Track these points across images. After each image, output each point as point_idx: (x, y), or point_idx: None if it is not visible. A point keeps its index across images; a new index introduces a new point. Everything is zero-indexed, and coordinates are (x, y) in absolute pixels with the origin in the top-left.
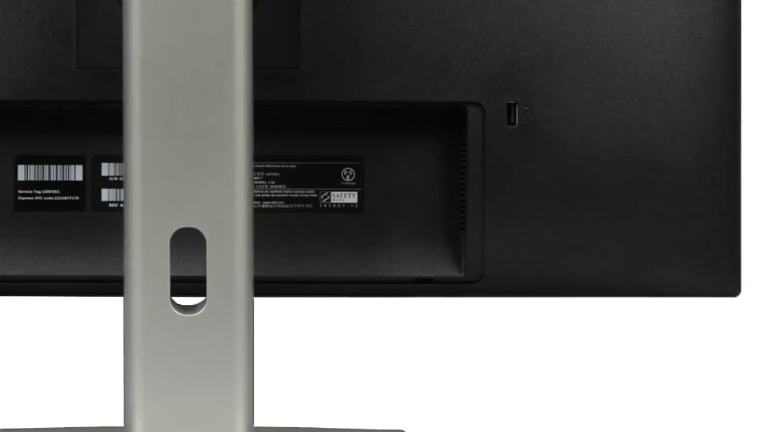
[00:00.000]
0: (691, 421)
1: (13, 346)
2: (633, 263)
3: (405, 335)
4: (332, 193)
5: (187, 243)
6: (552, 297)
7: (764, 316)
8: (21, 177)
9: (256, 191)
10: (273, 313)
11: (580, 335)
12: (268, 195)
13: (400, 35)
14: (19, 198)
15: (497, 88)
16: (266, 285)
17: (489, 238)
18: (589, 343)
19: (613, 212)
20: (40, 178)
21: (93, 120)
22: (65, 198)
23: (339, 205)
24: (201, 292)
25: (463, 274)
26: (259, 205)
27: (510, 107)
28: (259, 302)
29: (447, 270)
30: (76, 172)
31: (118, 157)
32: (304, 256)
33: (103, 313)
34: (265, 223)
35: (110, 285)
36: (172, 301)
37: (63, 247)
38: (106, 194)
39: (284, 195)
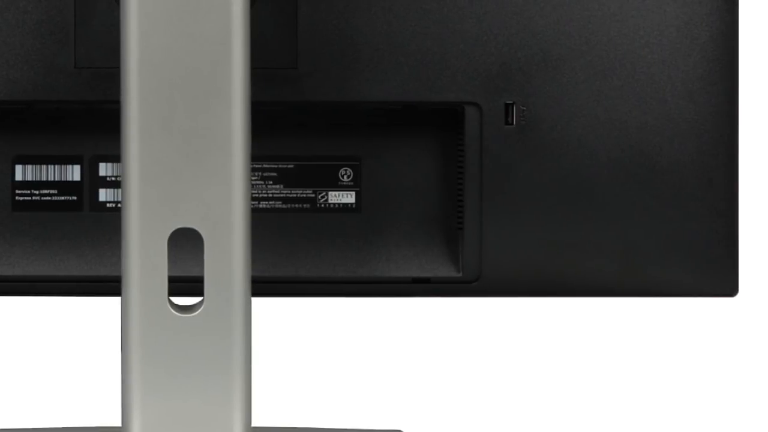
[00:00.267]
0: (690, 421)
1: (11, 346)
2: (630, 263)
3: (403, 335)
4: (330, 193)
5: (185, 243)
6: (549, 297)
7: (762, 316)
8: (18, 177)
9: (253, 191)
10: (270, 313)
11: (578, 335)
12: (265, 195)
13: (397, 35)
14: (17, 198)
15: (495, 88)
16: (264, 285)
17: (486, 238)
18: (586, 343)
19: (610, 212)
20: (38, 178)
21: (90, 120)
22: (63, 198)
23: (336, 205)
24: (198, 292)
25: (460, 274)
26: (256, 205)
27: (507, 107)
28: (257, 302)
29: (444, 270)
30: (74, 172)
31: (115, 157)
32: (301, 256)
33: (100, 313)
34: (263, 223)
35: (108, 285)
36: (170, 301)
37: (60, 247)
38: (104, 194)
39: (282, 195)
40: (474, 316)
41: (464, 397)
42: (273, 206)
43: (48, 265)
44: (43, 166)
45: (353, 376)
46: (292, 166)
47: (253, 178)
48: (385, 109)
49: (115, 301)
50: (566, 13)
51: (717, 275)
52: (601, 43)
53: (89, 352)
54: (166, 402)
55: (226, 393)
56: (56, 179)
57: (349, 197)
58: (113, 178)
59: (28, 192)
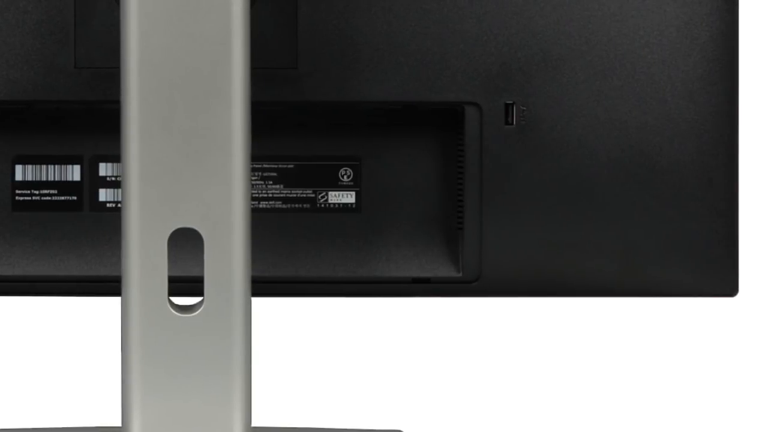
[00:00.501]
0: (690, 421)
1: (11, 346)
2: (630, 263)
3: (402, 335)
4: (330, 193)
5: (185, 243)
6: (549, 297)
7: (762, 316)
8: (18, 177)
9: (253, 191)
10: (270, 313)
11: (578, 335)
12: (265, 195)
13: (397, 35)
14: (17, 198)
15: (495, 88)
16: (264, 285)
17: (486, 238)
18: (586, 343)
19: (610, 212)
20: (38, 178)
21: (90, 120)
22: (63, 198)
23: (336, 205)
24: (198, 292)
25: (460, 274)
26: (256, 205)
27: (507, 107)
28: (257, 302)
29: (444, 270)
30: (74, 172)
31: (115, 157)
32: (301, 256)
33: (100, 313)
34: (263, 223)
35: (108, 285)
36: (170, 301)
37: (60, 247)
38: (104, 194)
39: (282, 195)
40: (474, 316)
41: (464, 397)
42: (273, 206)
43: (48, 265)
44: (43, 166)
45: (353, 376)
46: (292, 166)
47: (253, 178)
48: (385, 109)
49: (115, 301)
50: (566, 13)
51: (717, 275)
52: (601, 43)
53: (89, 352)
54: (166, 402)
55: (226, 393)
56: (56, 179)
57: (349, 197)
58: (113, 178)
59: (28, 192)
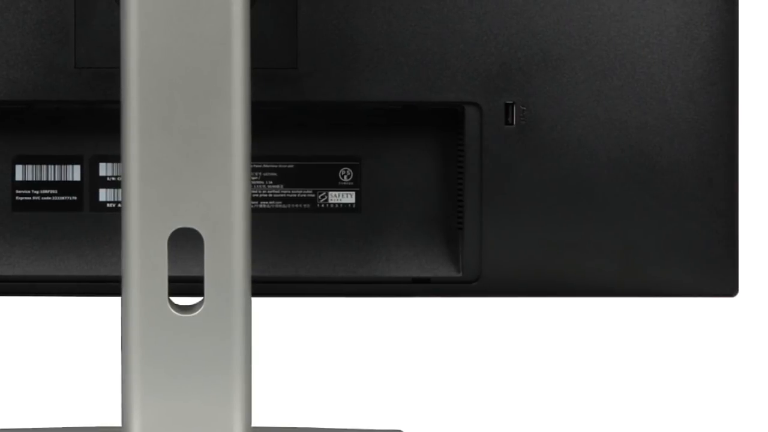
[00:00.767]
0: (689, 421)
1: (11, 346)
2: (630, 263)
3: (402, 335)
4: (330, 193)
5: (185, 243)
6: (549, 297)
7: (762, 316)
8: (18, 177)
9: (253, 191)
10: (271, 313)
11: (578, 335)
12: (265, 195)
13: (397, 35)
14: (17, 198)
15: (495, 88)
16: (264, 285)
17: (486, 238)
18: (586, 343)
19: (610, 212)
20: (38, 178)
21: (91, 120)
22: (63, 198)
23: (336, 205)
24: (199, 292)
25: (460, 274)
26: (256, 205)
27: (508, 107)
28: (257, 302)
29: (444, 270)
30: (74, 172)
31: (115, 157)
32: (301, 256)
33: (100, 313)
34: (263, 223)
35: (108, 285)
36: (170, 301)
37: (60, 247)
38: (104, 194)
39: (282, 195)
40: (474, 316)
41: (464, 397)
42: (273, 206)
43: (48, 265)
44: (44, 166)
45: (353, 376)
46: (292, 166)
47: (253, 178)
48: (385, 109)
49: (115, 301)
50: (566, 13)
51: (717, 275)
52: (601, 43)
53: (89, 352)
54: (166, 402)
55: (226, 393)
56: (56, 179)
57: (349, 197)
58: (113, 178)
59: (29, 192)
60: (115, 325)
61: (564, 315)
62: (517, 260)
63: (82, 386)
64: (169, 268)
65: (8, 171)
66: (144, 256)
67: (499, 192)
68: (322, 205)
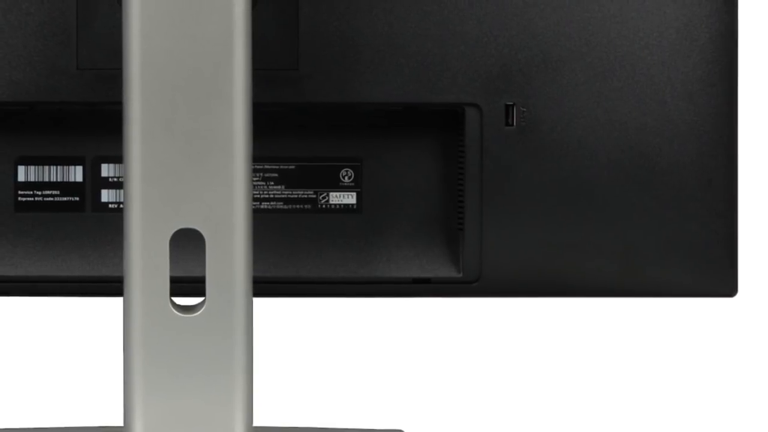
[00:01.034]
0: (688, 421)
1: (14, 346)
2: (630, 263)
3: (403, 335)
4: (331, 193)
5: (187, 243)
6: (549, 297)
7: (761, 316)
8: (21, 178)
9: (255, 192)
10: (272, 313)
11: (578, 335)
12: (267, 196)
13: (398, 37)
14: (20, 199)
15: (495, 90)
16: (265, 285)
17: (487, 238)
18: (586, 343)
19: (610, 213)
20: (40, 179)
21: (93, 121)
22: (65, 199)
23: (338, 206)
24: (200, 292)
25: (461, 275)
26: (258, 206)
27: (508, 108)
28: (258, 302)
29: (445, 270)
30: (76, 173)
31: (117, 158)
32: (302, 257)
33: (103, 314)
34: (264, 224)
35: (110, 285)
36: (172, 302)
37: (63, 247)
38: (106, 195)
39: (283, 196)
40: (474, 317)
41: (465, 397)
42: (274, 207)
43: (50, 266)
44: (46, 167)
45: (354, 376)
46: (293, 167)
47: (255, 178)
48: (385, 111)
49: (117, 302)
50: (566, 14)
51: (716, 275)
52: (600, 44)
53: (92, 352)
54: (168, 402)
55: (228, 393)
56: (59, 180)
57: (350, 198)
58: (115, 179)
59: (31, 193)
60: (118, 326)
61: (564, 315)
62: (518, 261)
63: (84, 386)
64: (171, 269)
65: (11, 172)
66: (146, 256)
67: (500, 193)
68: (323, 206)
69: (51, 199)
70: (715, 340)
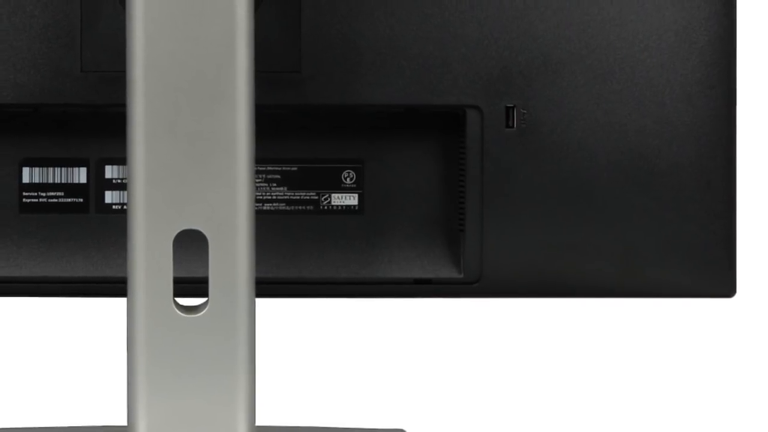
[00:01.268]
0: (687, 421)
1: (18, 346)
2: (630, 264)
3: (405, 336)
4: (333, 195)
5: (190, 244)
6: (550, 297)
7: (759, 316)
8: (25, 179)
9: (257, 193)
10: (274, 313)
11: (578, 335)
12: (269, 197)
13: (400, 39)
14: (24, 200)
15: (496, 92)
16: (268, 286)
17: (487, 239)
18: (586, 343)
19: (610, 214)
20: (45, 181)
21: (97, 123)
22: (69, 200)
23: (339, 207)
24: (203, 293)
25: (461, 275)
26: (260, 207)
27: (508, 110)
28: (261, 303)
29: (446, 271)
30: (80, 175)
31: (121, 160)
32: (305, 258)
33: (106, 314)
34: (267, 225)
35: (114, 286)
36: (175, 302)
37: (67, 248)
38: (110, 196)
39: (285, 197)
40: (475, 317)
41: (466, 397)
42: (277, 208)
43: (55, 267)
44: (50, 169)
45: (356, 376)
46: (295, 168)
47: (257, 180)
48: (387, 113)
49: (120, 302)
50: (566, 17)
51: (715, 276)
52: (600, 47)
53: (95, 352)
54: (171, 401)
55: (231, 392)
56: (63, 182)
57: (352, 199)
58: (119, 181)
59: (35, 194)
60: (121, 326)
61: (564, 315)
62: (518, 261)
63: (88, 386)
64: (174, 269)
65: (15, 173)
66: (149, 257)
67: (500, 194)
68: (326, 207)
69: (55, 200)
70: (714, 340)
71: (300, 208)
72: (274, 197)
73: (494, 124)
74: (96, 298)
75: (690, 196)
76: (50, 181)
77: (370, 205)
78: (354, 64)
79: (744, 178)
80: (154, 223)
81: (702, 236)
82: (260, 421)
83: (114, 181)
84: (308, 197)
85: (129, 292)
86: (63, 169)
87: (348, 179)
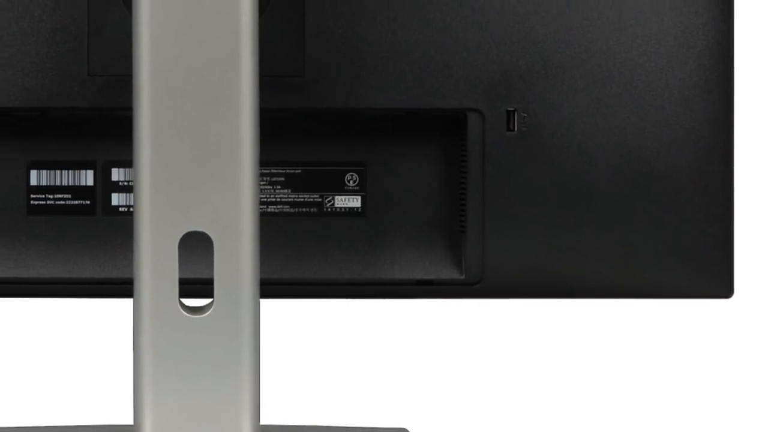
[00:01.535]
0: (686, 420)
1: (26, 346)
2: (629, 266)
3: (407, 336)
4: (336, 197)
5: (195, 246)
6: (550, 298)
7: (757, 317)
8: (33, 182)
9: (262, 196)
10: (278, 314)
11: (577, 336)
12: (273, 199)
13: (402, 44)
14: (32, 202)
15: (497, 96)
16: (272, 287)
17: (489, 241)
18: (586, 343)
19: (609, 216)
20: (52, 183)
21: (103, 126)
22: (76, 202)
23: (343, 209)
24: (208, 293)
25: (463, 276)
26: (265, 210)
27: (509, 114)
28: (265, 304)
29: (448, 272)
30: (87, 177)
31: (127, 163)
32: (308, 259)
33: (113, 315)
34: (271, 227)
35: (120, 287)
36: (181, 303)
37: (74, 250)
38: (116, 199)
39: (289, 199)
40: (476, 317)
41: (467, 396)
42: (281, 210)
43: (62, 268)
44: (58, 172)
45: (359, 376)
46: (299, 171)
47: (262, 183)
48: (390, 116)
49: (127, 303)
50: (566, 22)
51: (713, 277)
52: (600, 51)
53: (102, 352)
54: (176, 401)
55: (235, 392)
56: (70, 184)
57: (354, 201)
58: (125, 183)
59: (43, 196)
60: (127, 326)
61: (564, 316)
62: (519, 263)
63: (95, 385)
64: (180, 271)
65: (23, 176)
66: (155, 258)
67: (501, 196)
68: (329, 209)
69: (63, 202)
70: (712, 341)
71: (304, 210)
72: (278, 199)
73: (495, 127)
74: (102, 298)
75: (688, 198)
76: (58, 183)
77: (373, 207)
78: (357, 68)
79: (741, 181)
80: (160, 225)
81: (700, 238)
82: (265, 420)
83: (120, 183)
84: (312, 199)
85: (135, 293)
86: (70, 171)
87: (351, 182)
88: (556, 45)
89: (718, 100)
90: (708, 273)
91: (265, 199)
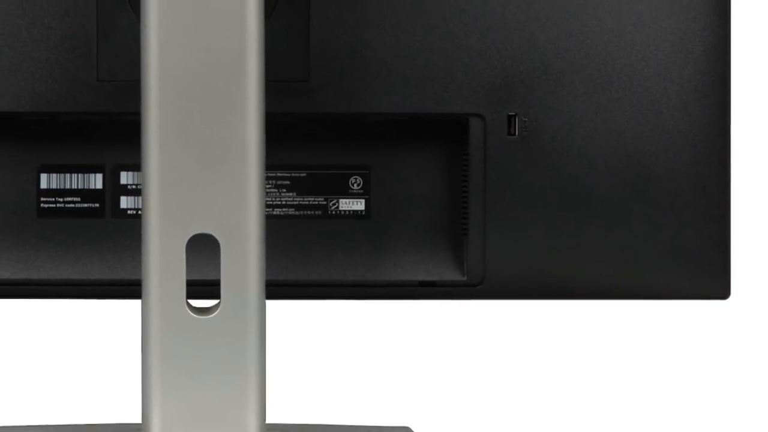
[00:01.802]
0: (685, 420)
1: (37, 347)
2: (628, 267)
3: (410, 336)
4: (340, 200)
5: (202, 248)
6: (550, 299)
7: (753, 318)
8: (43, 185)
9: (267, 199)
10: (284, 315)
11: (577, 336)
12: (279, 202)
13: (405, 50)
14: (42, 205)
15: (498, 100)
16: (277, 288)
17: (490, 243)
18: (585, 343)
19: (608, 219)
20: (62, 186)
21: (112, 131)
22: (86, 205)
23: (347, 212)
24: (215, 295)
25: (465, 278)
26: (270, 212)
27: (510, 118)
28: (271, 305)
29: (450, 274)
30: (96, 181)
31: (136, 166)
32: (313, 261)
33: (121, 316)
34: (277, 230)
35: (129, 288)
36: (188, 304)
37: (83, 252)
38: (125, 202)
39: (294, 202)
40: (478, 318)
41: (469, 396)
42: (286, 213)
43: (71, 270)
44: (67, 175)
45: (363, 376)
46: (304, 174)
47: (267, 186)
48: (393, 121)
49: (135, 304)
50: (566, 28)
51: (710, 279)
52: (599, 57)
53: (111, 352)
54: (184, 400)
55: (242, 391)
56: (79, 187)
57: (359, 204)
58: (134, 187)
59: (53, 199)
60: (136, 327)
61: (564, 317)
62: (520, 264)
63: (104, 385)
64: (187, 272)
65: (33, 179)
66: (163, 260)
67: (502, 199)
68: (333, 212)
69: (72, 205)
70: (710, 341)
71: (308, 213)
72: (284, 202)
73: (496, 131)
74: (111, 300)
75: (686, 201)
76: (67, 186)
77: (377, 210)
78: (361, 73)
79: (738, 184)
80: (168, 227)
81: (697, 240)
82: (270, 419)
83: (129, 186)
84: (316, 202)
85: (143, 294)
86: (79, 175)
87: (355, 185)
88: (557, 50)
89: (715, 104)
90: (705, 274)
91: (271, 202)
